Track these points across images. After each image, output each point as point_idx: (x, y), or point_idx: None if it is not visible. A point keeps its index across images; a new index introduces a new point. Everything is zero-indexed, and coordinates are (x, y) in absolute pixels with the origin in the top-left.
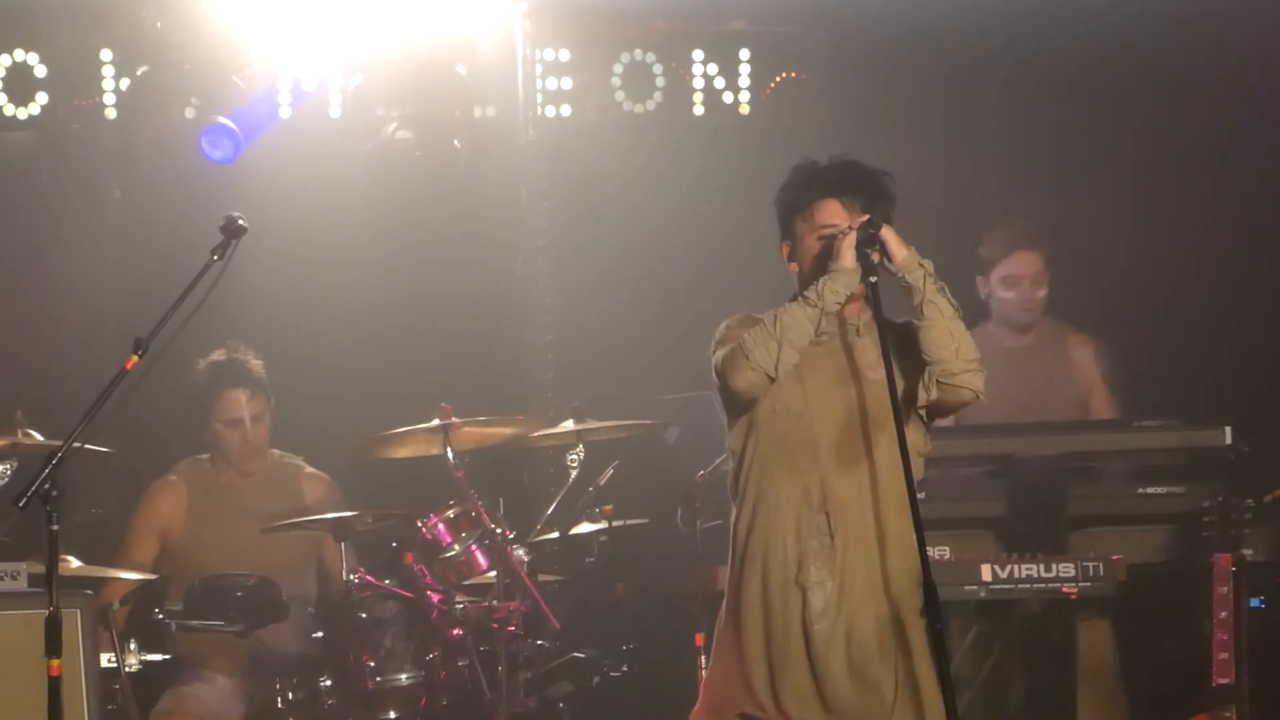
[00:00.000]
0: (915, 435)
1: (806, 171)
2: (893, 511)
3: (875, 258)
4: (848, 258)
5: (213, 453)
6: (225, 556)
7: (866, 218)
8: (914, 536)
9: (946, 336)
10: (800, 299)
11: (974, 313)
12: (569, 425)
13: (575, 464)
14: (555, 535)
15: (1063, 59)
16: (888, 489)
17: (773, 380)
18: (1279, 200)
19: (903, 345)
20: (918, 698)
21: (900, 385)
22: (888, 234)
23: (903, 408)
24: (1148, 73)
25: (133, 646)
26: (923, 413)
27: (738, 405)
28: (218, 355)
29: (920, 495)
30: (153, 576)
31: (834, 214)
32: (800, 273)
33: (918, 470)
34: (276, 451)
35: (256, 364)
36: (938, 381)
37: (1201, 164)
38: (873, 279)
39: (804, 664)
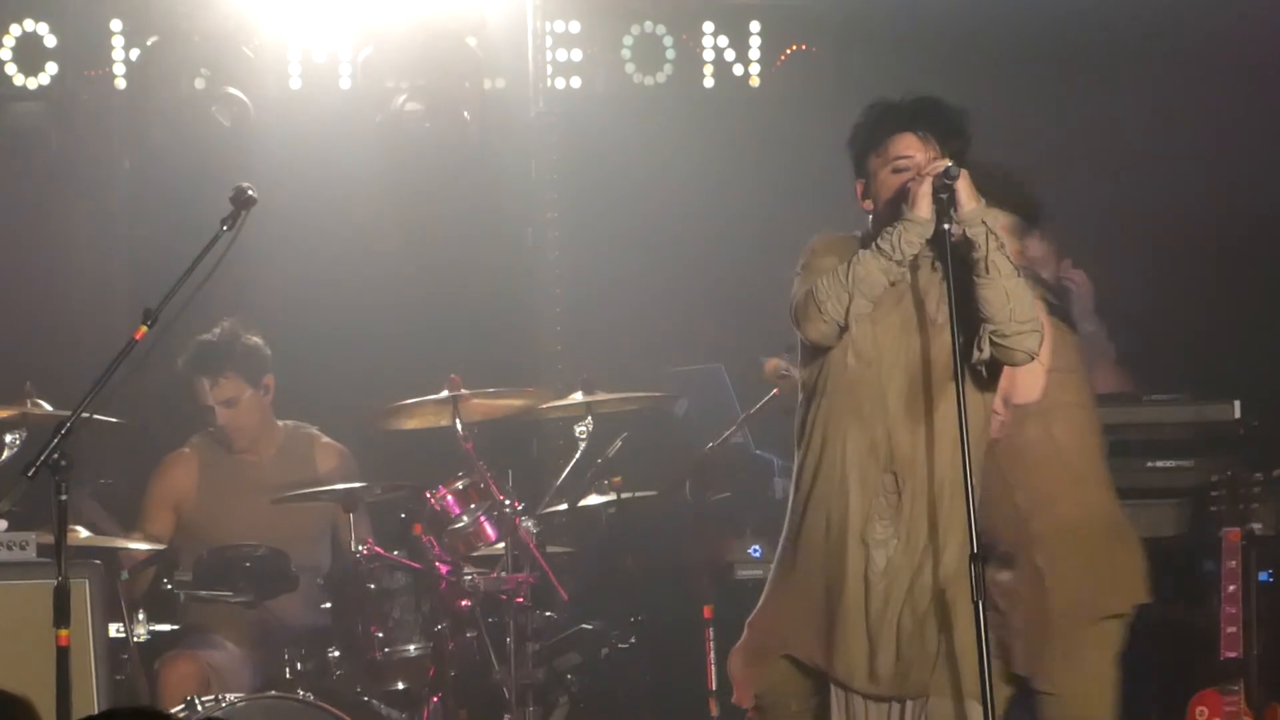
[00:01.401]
0: (981, 390)
1: (881, 107)
2: (954, 469)
3: (957, 199)
4: (923, 206)
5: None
6: (237, 528)
7: (945, 167)
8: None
9: (1003, 296)
10: (874, 249)
11: None
12: (578, 397)
13: (584, 436)
14: (564, 507)
15: (1071, 27)
16: (951, 445)
17: (844, 330)
18: None
19: (967, 298)
20: (955, 666)
21: (962, 339)
22: (962, 183)
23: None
24: (1157, 40)
25: (141, 617)
26: (981, 369)
27: (809, 345)
28: (204, 336)
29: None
30: (162, 546)
31: (909, 146)
32: (875, 211)
33: (986, 426)
34: (291, 422)
35: (247, 343)
36: (991, 340)
37: (1212, 137)
38: (946, 226)
39: (861, 624)
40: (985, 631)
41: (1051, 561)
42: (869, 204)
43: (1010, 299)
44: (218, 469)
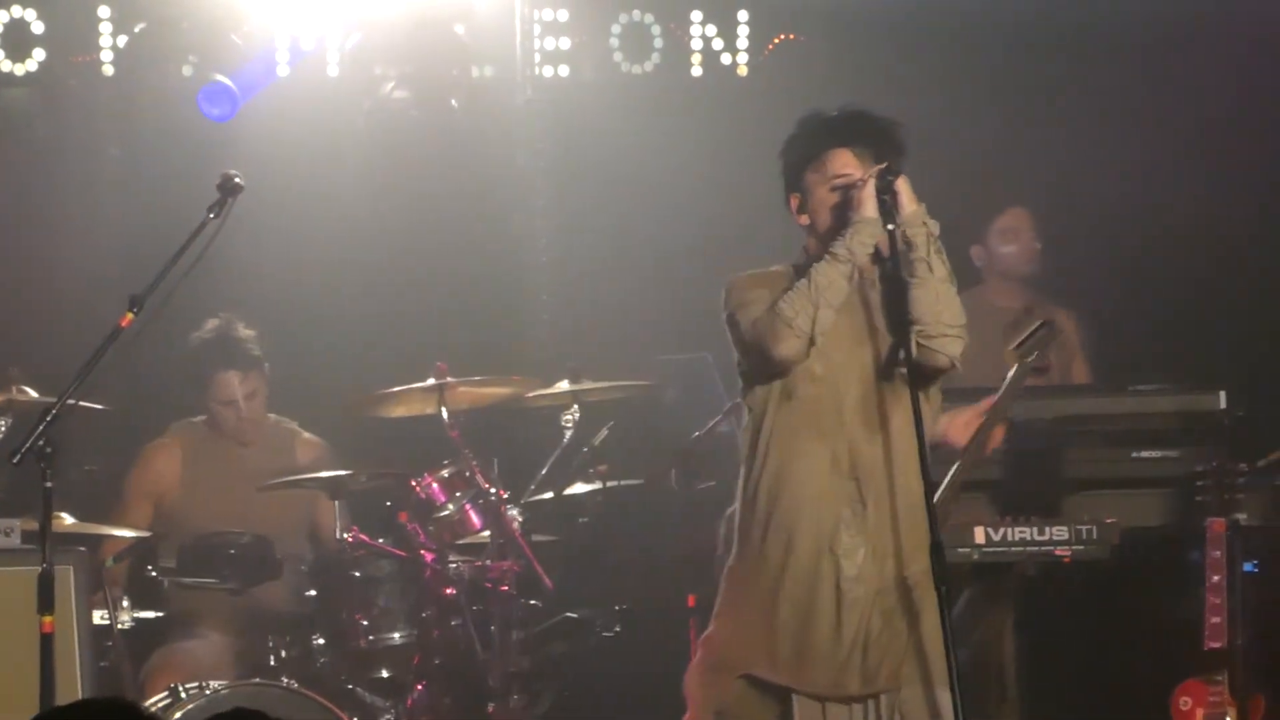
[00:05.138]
0: (923, 391)
1: (815, 122)
2: (910, 474)
3: (896, 197)
4: (869, 207)
5: (208, 422)
6: (219, 516)
7: (884, 165)
8: (926, 499)
9: (933, 297)
10: (829, 257)
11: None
12: (564, 386)
13: (570, 424)
14: (549, 495)
15: (1060, 17)
16: (904, 453)
17: (814, 344)
18: (1273, 161)
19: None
20: (925, 655)
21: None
22: (902, 185)
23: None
24: (1144, 30)
25: (126, 604)
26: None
27: (772, 371)
28: (209, 331)
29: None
30: (147, 534)
31: (846, 164)
32: (813, 225)
33: (934, 424)
34: (272, 416)
35: (249, 336)
36: (916, 342)
37: (1199, 128)
38: (890, 226)
39: (832, 633)
40: (947, 621)
41: None
42: (804, 219)
43: (940, 301)
44: (200, 458)
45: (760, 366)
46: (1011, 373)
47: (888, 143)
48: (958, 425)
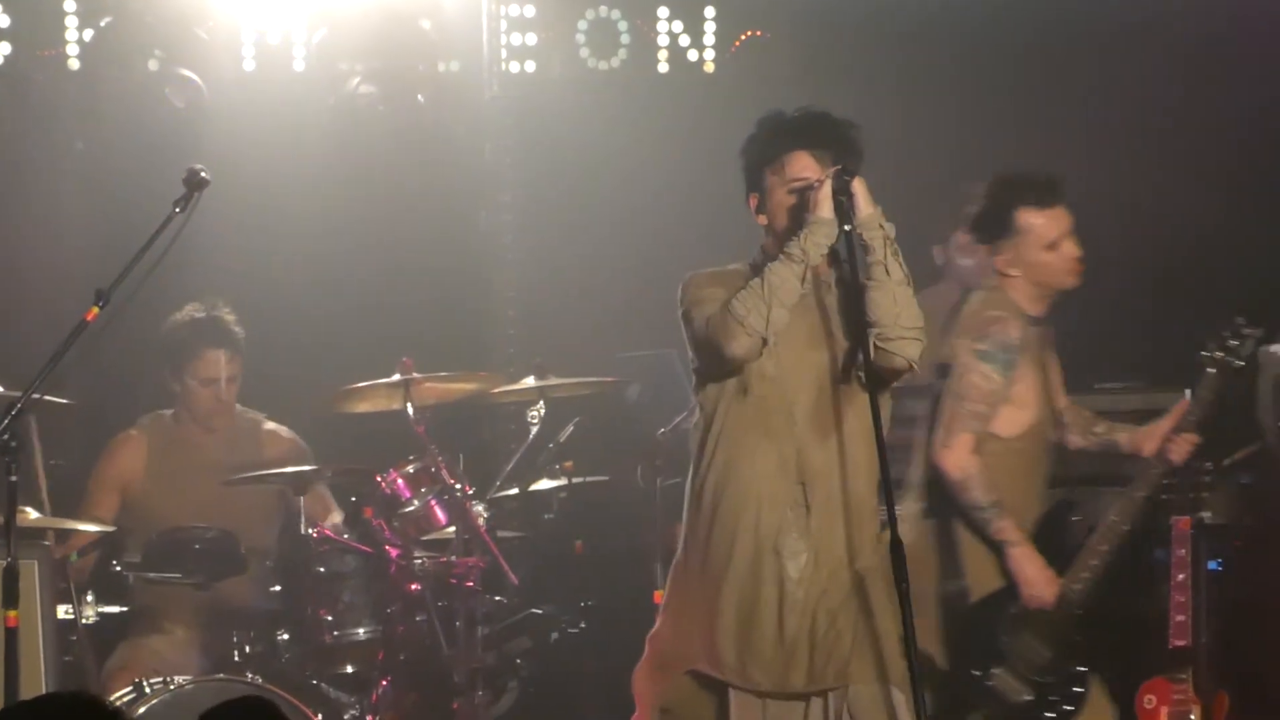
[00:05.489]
0: (881, 397)
1: (774, 123)
2: (861, 479)
3: (852, 198)
4: (825, 208)
5: (178, 407)
6: (185, 511)
7: (840, 166)
8: (877, 505)
9: (890, 300)
10: (783, 256)
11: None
12: (530, 381)
13: (536, 420)
14: (515, 491)
15: (1019, 15)
16: (856, 457)
17: (766, 343)
18: (1242, 157)
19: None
20: (878, 653)
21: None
22: (858, 186)
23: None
24: (1102, 24)
25: (90, 598)
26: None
27: (724, 369)
28: (195, 310)
29: None
30: (111, 529)
31: (805, 167)
32: (771, 226)
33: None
34: (238, 406)
35: (233, 320)
36: (875, 345)
37: (1159, 121)
38: (847, 227)
39: (775, 632)
40: (910, 618)
41: None
42: (763, 219)
43: (898, 303)
44: (166, 451)
45: (713, 364)
46: (1201, 385)
47: (847, 146)
48: (1148, 434)
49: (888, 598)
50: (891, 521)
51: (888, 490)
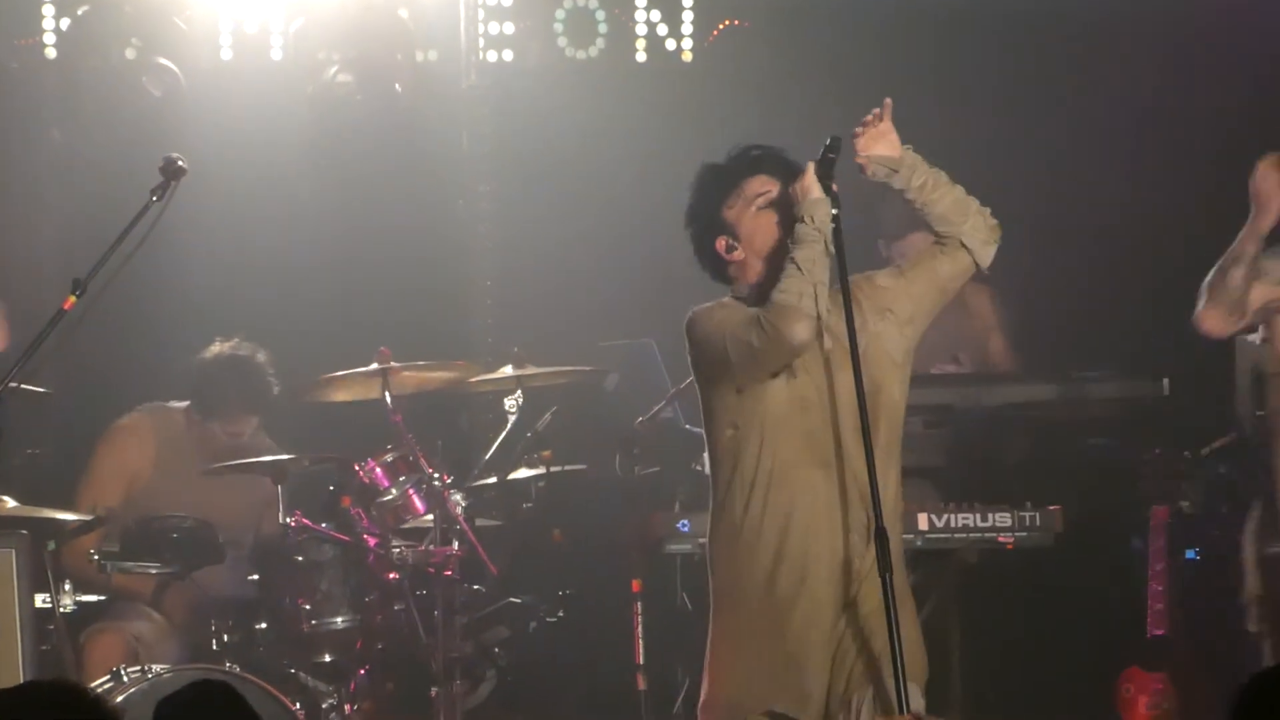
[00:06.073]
0: (902, 387)
1: (714, 168)
2: (891, 490)
3: (835, 188)
4: (815, 188)
5: (190, 416)
6: (188, 501)
7: (827, 143)
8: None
9: (952, 197)
10: (800, 240)
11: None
12: (508, 370)
13: (514, 409)
14: (493, 480)
15: (992, 7)
16: (885, 457)
17: (820, 321)
18: (1216, 148)
19: (880, 299)
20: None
21: (891, 337)
22: (882, 135)
23: (896, 360)
24: (1073, 18)
25: (67, 587)
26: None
27: (781, 364)
28: (245, 361)
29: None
30: (89, 517)
31: (764, 184)
32: (751, 252)
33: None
34: None
35: (271, 370)
36: (960, 242)
37: (1132, 110)
38: (835, 211)
39: (828, 659)
40: (892, 609)
41: None
42: (739, 253)
43: (962, 199)
44: (173, 446)
45: (766, 365)
46: None
47: (788, 166)
48: None
49: (906, 594)
50: (877, 512)
51: (873, 483)
